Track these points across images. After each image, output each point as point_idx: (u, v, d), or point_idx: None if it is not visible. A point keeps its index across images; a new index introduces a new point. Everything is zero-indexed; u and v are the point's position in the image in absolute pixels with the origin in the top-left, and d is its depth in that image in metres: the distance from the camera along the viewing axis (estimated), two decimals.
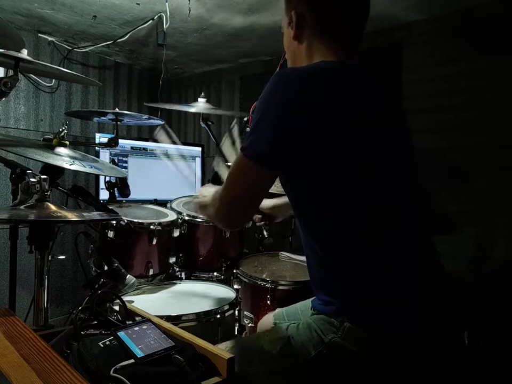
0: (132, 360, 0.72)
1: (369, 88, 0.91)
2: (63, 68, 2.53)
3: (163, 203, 1.95)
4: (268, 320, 1.27)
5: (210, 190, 1.10)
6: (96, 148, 2.30)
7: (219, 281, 1.74)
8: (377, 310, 0.83)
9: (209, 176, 2.35)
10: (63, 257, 1.55)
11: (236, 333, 1.55)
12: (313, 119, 0.81)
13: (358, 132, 0.83)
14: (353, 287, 0.86)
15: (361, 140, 0.83)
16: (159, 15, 2.08)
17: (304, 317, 1.09)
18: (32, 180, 1.08)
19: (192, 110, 1.98)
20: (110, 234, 1.49)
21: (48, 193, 1.08)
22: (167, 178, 2.57)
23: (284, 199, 1.32)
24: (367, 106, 0.87)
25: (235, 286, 1.63)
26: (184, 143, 2.95)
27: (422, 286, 0.86)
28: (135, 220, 1.57)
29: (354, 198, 0.84)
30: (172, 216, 1.74)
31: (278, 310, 1.25)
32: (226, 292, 1.58)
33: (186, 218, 1.74)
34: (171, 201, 1.93)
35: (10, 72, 1.12)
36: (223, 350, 0.83)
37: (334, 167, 0.83)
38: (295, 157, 0.84)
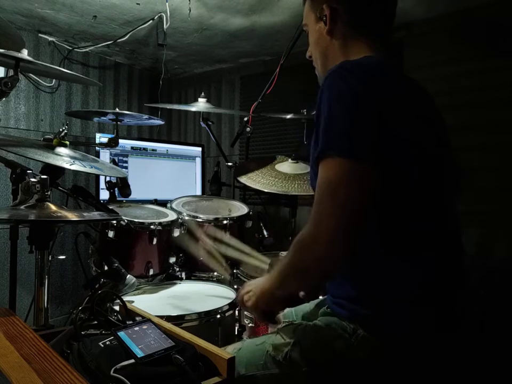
0: (132, 360, 0.72)
1: (409, 87, 0.91)
2: (63, 68, 2.55)
3: (163, 203, 1.95)
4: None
5: (255, 280, 0.98)
6: (97, 148, 2.30)
7: (219, 281, 1.74)
8: (394, 318, 0.79)
9: (209, 177, 2.35)
10: (63, 257, 1.55)
11: (236, 333, 1.55)
12: (380, 110, 0.76)
13: (399, 128, 0.79)
14: (371, 292, 0.82)
15: (399, 136, 0.79)
16: (159, 15, 2.08)
17: (314, 314, 1.06)
18: (33, 179, 1.08)
19: (193, 109, 1.98)
20: (110, 234, 1.49)
21: (48, 193, 1.08)
22: (167, 178, 2.58)
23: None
24: (410, 104, 0.85)
25: (235, 286, 1.63)
26: (184, 143, 2.95)
27: (444, 295, 0.83)
28: (135, 220, 1.57)
29: (381, 202, 0.79)
30: (172, 216, 1.74)
31: (287, 310, 1.21)
32: (227, 292, 1.58)
33: (186, 218, 1.74)
34: (171, 201, 1.93)
35: (11, 72, 1.13)
36: (223, 350, 0.83)
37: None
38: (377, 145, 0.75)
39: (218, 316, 1.34)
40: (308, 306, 1.14)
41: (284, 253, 1.87)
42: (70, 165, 1.15)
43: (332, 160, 0.74)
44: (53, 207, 1.06)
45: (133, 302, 1.40)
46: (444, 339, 0.81)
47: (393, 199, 0.80)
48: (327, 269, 0.78)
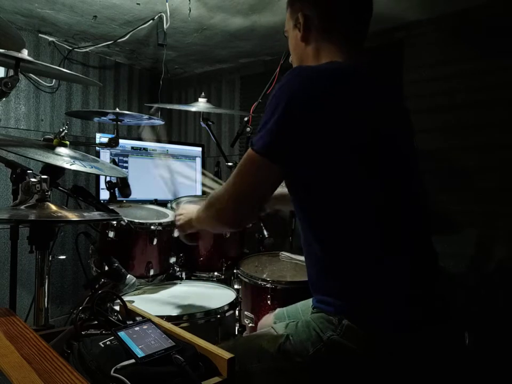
0: (133, 360, 0.72)
1: (372, 89, 0.91)
2: (63, 68, 2.55)
3: (163, 203, 1.95)
4: (268, 320, 1.27)
5: (190, 207, 1.20)
6: (97, 148, 2.30)
7: (219, 281, 1.74)
8: (375, 309, 0.83)
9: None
10: (64, 257, 1.55)
11: (237, 333, 1.55)
12: (319, 117, 0.81)
13: (361, 131, 0.83)
14: (352, 286, 0.86)
15: (363, 139, 0.83)
16: (159, 15, 2.08)
17: (304, 315, 1.09)
18: (33, 179, 1.08)
19: (193, 109, 1.98)
20: (111, 234, 1.49)
21: (49, 193, 1.08)
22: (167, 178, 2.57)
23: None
24: (370, 106, 0.87)
25: (235, 286, 1.63)
26: (184, 143, 2.95)
27: (421, 286, 0.87)
28: (136, 220, 1.57)
29: (354, 198, 0.84)
30: (172, 216, 1.74)
31: (278, 309, 1.26)
32: (227, 292, 1.59)
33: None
34: (171, 201, 1.93)
35: (11, 72, 1.12)
36: (223, 350, 0.83)
37: (336, 165, 0.84)
38: (300, 152, 0.83)
39: (219, 316, 1.35)
40: (299, 309, 1.18)
41: (284, 253, 1.87)
42: (70, 165, 1.15)
43: (250, 151, 0.86)
44: (53, 207, 1.06)
45: (133, 302, 1.41)
46: (427, 332, 0.84)
47: (364, 198, 0.84)
48: (220, 228, 1.06)
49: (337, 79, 0.85)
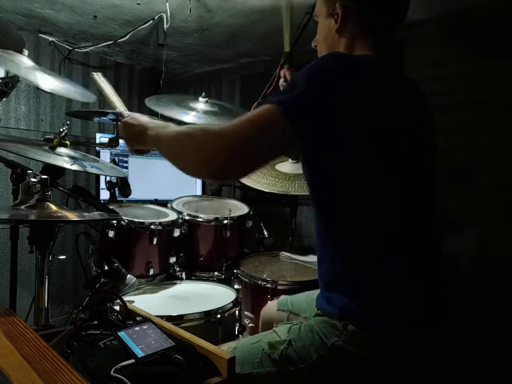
0: (133, 360, 0.72)
1: (400, 87, 0.92)
2: (64, 68, 2.56)
3: (163, 203, 1.95)
4: (271, 307, 1.26)
5: (141, 117, 1.07)
6: (97, 148, 2.30)
7: (219, 281, 1.74)
8: (375, 309, 0.82)
9: None
10: (64, 257, 1.55)
11: (237, 333, 1.56)
12: (345, 102, 0.79)
13: (381, 128, 0.82)
14: (353, 286, 0.85)
15: (374, 136, 0.82)
16: (159, 15, 2.08)
17: (308, 308, 1.09)
18: (33, 179, 1.08)
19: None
20: (111, 234, 1.49)
21: (49, 193, 1.09)
22: (167, 178, 2.58)
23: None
24: (395, 104, 0.87)
25: (235, 286, 1.64)
26: None
27: (427, 288, 0.86)
28: (136, 220, 1.58)
29: (366, 198, 0.83)
30: (172, 216, 1.74)
31: (282, 296, 1.24)
32: (227, 292, 1.59)
33: (187, 218, 1.74)
34: (171, 201, 1.94)
35: (11, 72, 1.13)
36: (223, 350, 0.83)
37: (351, 161, 0.82)
38: (317, 129, 0.79)
39: (219, 316, 1.35)
40: (303, 300, 1.17)
41: (284, 253, 1.87)
42: (71, 165, 1.15)
43: (266, 104, 0.79)
44: (53, 207, 1.06)
45: (133, 302, 1.41)
46: (427, 332, 0.84)
47: (375, 199, 0.83)
48: (189, 165, 0.85)
49: (366, 72, 0.84)
